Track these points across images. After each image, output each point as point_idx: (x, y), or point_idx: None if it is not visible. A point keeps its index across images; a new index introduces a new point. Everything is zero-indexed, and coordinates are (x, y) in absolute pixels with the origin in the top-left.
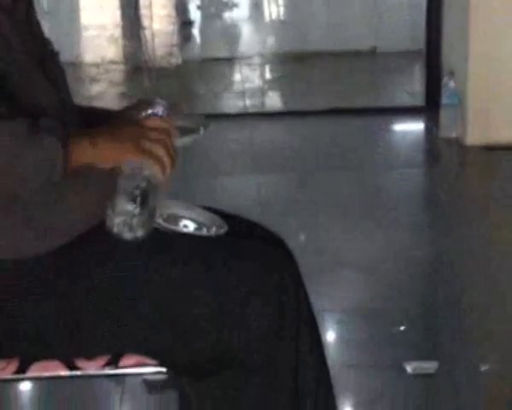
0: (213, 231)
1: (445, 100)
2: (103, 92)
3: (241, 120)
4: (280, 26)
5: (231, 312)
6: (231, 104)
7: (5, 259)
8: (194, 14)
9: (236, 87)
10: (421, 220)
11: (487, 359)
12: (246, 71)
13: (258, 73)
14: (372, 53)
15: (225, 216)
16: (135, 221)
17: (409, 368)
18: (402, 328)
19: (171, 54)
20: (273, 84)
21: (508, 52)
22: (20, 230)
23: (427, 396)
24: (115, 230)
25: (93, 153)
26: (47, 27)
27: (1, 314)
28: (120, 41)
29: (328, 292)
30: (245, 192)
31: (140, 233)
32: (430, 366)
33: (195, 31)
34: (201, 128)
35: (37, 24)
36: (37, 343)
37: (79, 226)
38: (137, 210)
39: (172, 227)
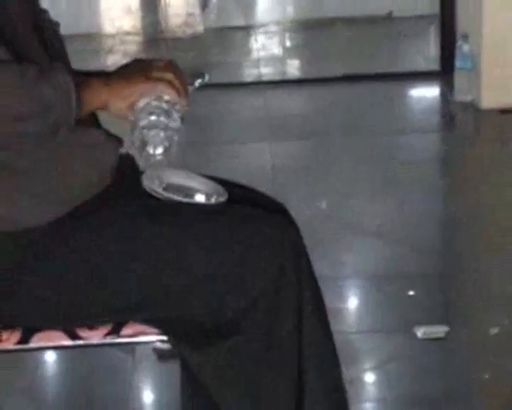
0: (213, 199)
1: (458, 64)
2: (118, 64)
3: (258, 88)
4: None
5: (230, 278)
6: (248, 73)
7: (5, 230)
8: None
9: (253, 55)
10: (437, 185)
11: (498, 323)
12: (262, 39)
13: (274, 40)
14: (388, 18)
15: (226, 184)
16: (160, 136)
17: (419, 332)
18: (411, 293)
19: (187, 23)
20: (290, 51)
21: None
22: (19, 200)
23: (438, 360)
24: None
25: (106, 91)
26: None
27: (2, 285)
28: (136, 11)
29: (341, 258)
30: (261, 159)
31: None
32: (440, 330)
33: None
34: (197, 80)
35: None
36: (38, 314)
37: (79, 196)
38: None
39: (172, 196)
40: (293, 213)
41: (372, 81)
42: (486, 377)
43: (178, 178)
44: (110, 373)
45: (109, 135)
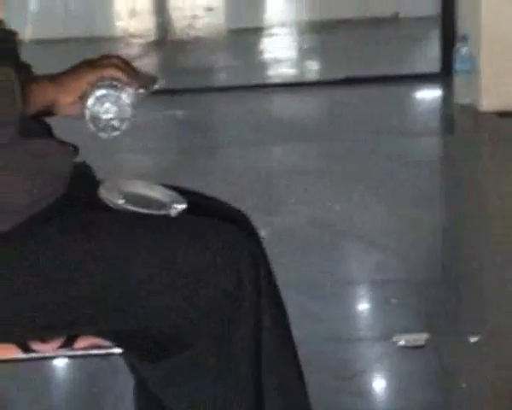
0: (172, 209)
1: (457, 66)
2: None
3: (263, 91)
4: None
5: (184, 289)
6: (252, 76)
7: None
8: None
9: (257, 58)
10: (435, 188)
11: (477, 331)
12: (267, 41)
13: (279, 43)
14: (395, 19)
15: (186, 194)
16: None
17: (399, 340)
18: (393, 300)
19: (192, 26)
20: (294, 54)
21: None
22: None
23: (417, 369)
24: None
25: (54, 86)
26: (67, 4)
27: None
28: (141, 14)
29: (327, 264)
30: (265, 163)
31: (123, 127)
32: (420, 338)
33: (219, 1)
34: (152, 85)
35: None
36: None
37: (29, 208)
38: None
39: (130, 207)
40: (285, 217)
41: (374, 83)
42: (465, 386)
43: (137, 188)
44: (67, 385)
45: (63, 144)
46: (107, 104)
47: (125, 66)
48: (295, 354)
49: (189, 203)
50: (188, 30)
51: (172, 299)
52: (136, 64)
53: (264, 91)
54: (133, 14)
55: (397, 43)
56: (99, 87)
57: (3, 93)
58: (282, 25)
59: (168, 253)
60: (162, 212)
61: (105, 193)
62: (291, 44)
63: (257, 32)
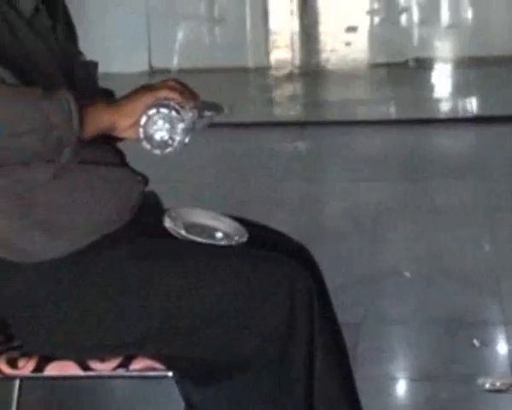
0: (234, 240)
1: None
2: (250, 98)
3: (392, 126)
4: (454, 30)
5: (239, 318)
6: (382, 111)
7: (23, 262)
8: (362, 19)
9: (392, 93)
10: None
11: None
12: (404, 76)
13: (415, 78)
14: None
15: (248, 225)
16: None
17: (484, 383)
18: (482, 342)
19: (329, 60)
20: (432, 90)
21: None
22: (36, 233)
23: None
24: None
25: (111, 111)
26: (214, 35)
27: (22, 316)
28: (280, 47)
29: (414, 301)
30: (375, 199)
31: (175, 144)
32: (505, 382)
33: (361, 36)
34: (212, 112)
35: (70, 37)
36: (54, 344)
37: (94, 233)
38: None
39: (193, 237)
40: (387, 254)
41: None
42: None
43: (200, 218)
44: (120, 405)
45: (134, 173)
46: (160, 122)
47: (182, 88)
48: (349, 388)
49: (251, 235)
50: (325, 63)
51: (229, 328)
52: (271, 95)
53: (398, 127)
54: (274, 46)
55: None
56: (152, 106)
57: (64, 118)
58: (418, 60)
59: (226, 283)
60: (224, 242)
61: (169, 222)
62: (428, 80)
63: (392, 67)
